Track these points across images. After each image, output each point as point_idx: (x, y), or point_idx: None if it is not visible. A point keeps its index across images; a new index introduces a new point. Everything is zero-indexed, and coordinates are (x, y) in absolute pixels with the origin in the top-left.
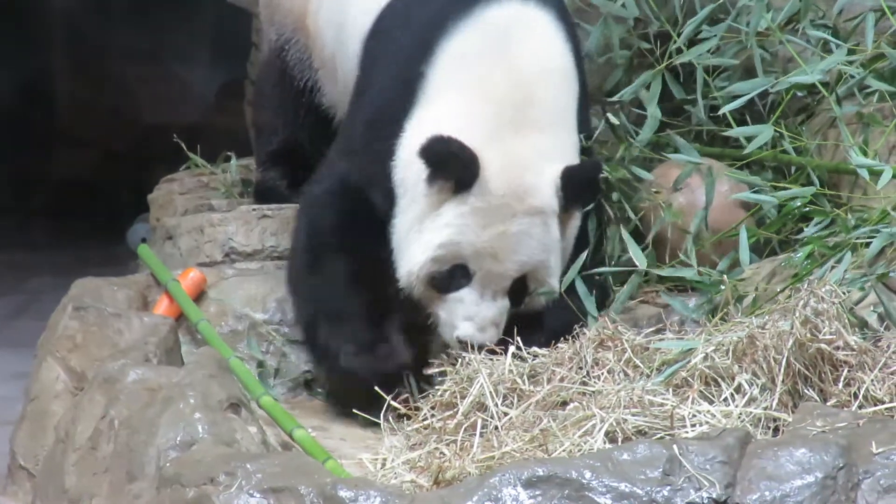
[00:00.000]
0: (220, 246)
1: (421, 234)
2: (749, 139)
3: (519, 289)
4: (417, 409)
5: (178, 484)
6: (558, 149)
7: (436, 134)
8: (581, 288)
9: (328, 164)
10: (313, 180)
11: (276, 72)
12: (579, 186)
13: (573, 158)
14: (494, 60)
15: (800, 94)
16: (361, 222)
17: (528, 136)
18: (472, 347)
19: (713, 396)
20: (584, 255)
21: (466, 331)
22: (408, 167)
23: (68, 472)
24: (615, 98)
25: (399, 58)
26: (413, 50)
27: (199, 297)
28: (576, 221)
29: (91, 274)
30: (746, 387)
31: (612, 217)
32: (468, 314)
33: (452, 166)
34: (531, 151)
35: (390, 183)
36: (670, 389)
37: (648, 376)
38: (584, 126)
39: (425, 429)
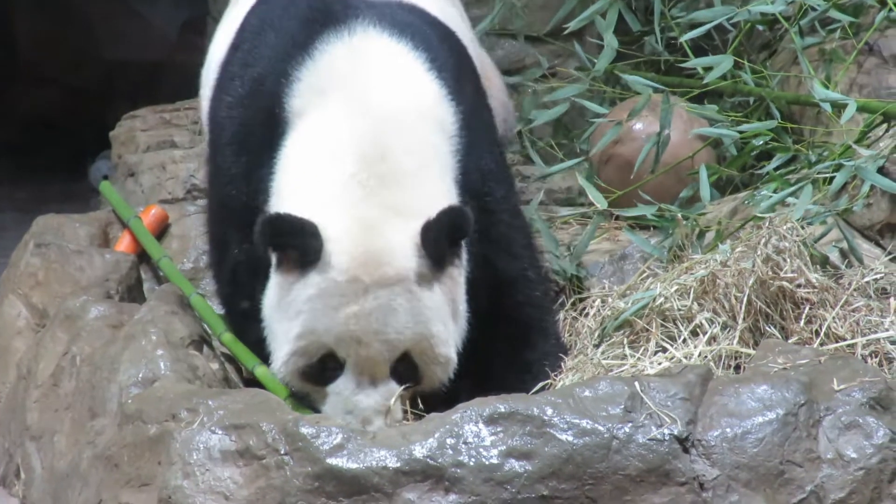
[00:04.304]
0: (182, 183)
1: (280, 323)
2: (707, 70)
3: (407, 367)
4: None
5: (139, 420)
6: (419, 202)
7: (269, 213)
8: None
9: (213, 240)
10: (212, 264)
11: None
12: (442, 239)
13: (441, 207)
14: (338, 111)
15: (761, 27)
16: None
17: (381, 195)
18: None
19: (675, 336)
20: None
21: None
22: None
23: (30, 409)
24: (569, 28)
25: (249, 113)
26: (261, 103)
27: (161, 233)
28: (458, 273)
29: (53, 211)
30: (707, 326)
31: None
32: (347, 408)
33: (290, 245)
34: (383, 213)
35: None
36: (626, 340)
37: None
38: (473, 159)
39: None
